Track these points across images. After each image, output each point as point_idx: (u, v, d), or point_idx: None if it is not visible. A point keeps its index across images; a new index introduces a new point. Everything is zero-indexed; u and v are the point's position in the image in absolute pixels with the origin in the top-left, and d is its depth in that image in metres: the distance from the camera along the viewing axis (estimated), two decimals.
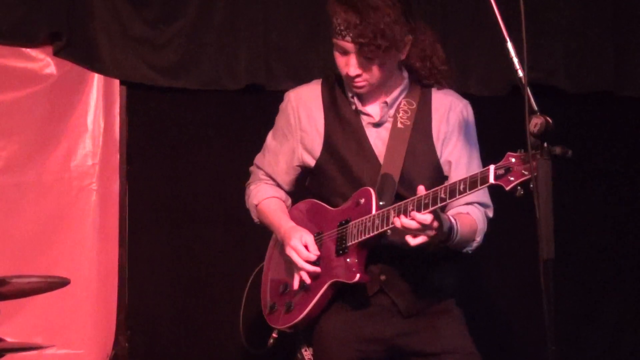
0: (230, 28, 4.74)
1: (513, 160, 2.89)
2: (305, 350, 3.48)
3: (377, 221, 3.23)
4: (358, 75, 3.32)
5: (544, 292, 2.56)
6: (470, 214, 3.35)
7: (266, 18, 4.78)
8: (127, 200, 4.71)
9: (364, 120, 3.44)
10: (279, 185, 3.62)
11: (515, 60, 2.77)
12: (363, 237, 3.27)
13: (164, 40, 4.71)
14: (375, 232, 3.23)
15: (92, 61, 4.62)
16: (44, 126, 4.63)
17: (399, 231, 3.15)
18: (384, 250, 3.30)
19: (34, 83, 4.62)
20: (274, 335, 3.52)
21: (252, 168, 3.70)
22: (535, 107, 2.69)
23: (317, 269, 3.36)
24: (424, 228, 3.10)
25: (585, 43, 5.11)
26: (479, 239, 3.38)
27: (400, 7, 3.26)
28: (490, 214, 3.46)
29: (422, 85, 3.48)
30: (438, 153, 3.42)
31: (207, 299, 4.72)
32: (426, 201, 3.09)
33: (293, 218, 3.54)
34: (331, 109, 3.48)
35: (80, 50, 4.59)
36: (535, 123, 2.66)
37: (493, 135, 4.51)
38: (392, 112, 3.43)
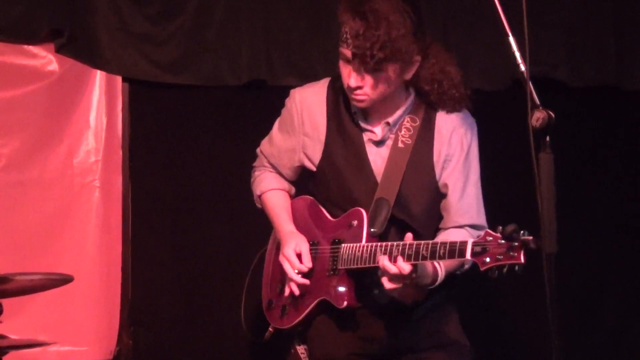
0: (231, 24, 4.74)
1: (490, 239, 2.91)
2: (299, 346, 3.48)
3: (365, 254, 3.22)
4: (358, 88, 3.27)
5: (547, 286, 2.56)
6: None
7: (267, 13, 4.77)
8: (130, 196, 4.71)
9: (366, 136, 3.40)
10: (282, 176, 3.62)
11: (517, 54, 2.76)
12: (351, 266, 3.27)
13: (166, 36, 4.70)
14: (362, 266, 3.23)
15: (94, 58, 4.62)
16: (46, 123, 4.62)
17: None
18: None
19: (36, 80, 4.61)
20: (270, 329, 3.55)
21: (258, 151, 3.69)
22: (537, 101, 2.68)
23: (306, 282, 3.36)
24: (401, 277, 3.10)
25: (587, 36, 5.11)
26: (467, 266, 3.34)
27: (411, 24, 3.19)
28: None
29: (427, 103, 3.41)
30: (437, 175, 3.38)
31: (210, 295, 4.73)
32: (409, 252, 3.09)
33: (294, 213, 3.54)
34: (334, 119, 3.44)
35: (82, 47, 4.59)
36: (537, 117, 2.65)
37: (494, 129, 4.51)
38: (394, 130, 3.39)
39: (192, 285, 4.73)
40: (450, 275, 3.31)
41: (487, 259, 2.89)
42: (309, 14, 4.76)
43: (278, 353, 3.58)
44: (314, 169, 3.47)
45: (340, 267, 3.30)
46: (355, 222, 3.31)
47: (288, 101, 3.55)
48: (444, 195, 3.39)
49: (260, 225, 3.71)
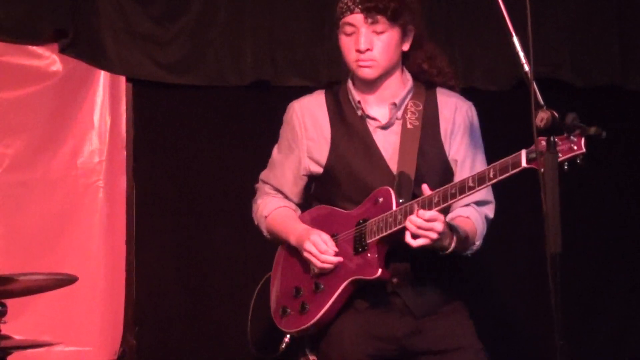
0: (235, 24, 4.75)
1: (544, 143, 2.80)
2: (311, 356, 3.46)
3: (399, 216, 3.21)
4: (367, 50, 3.32)
5: (552, 285, 2.55)
6: (470, 218, 3.34)
7: (271, 14, 4.78)
8: (134, 197, 4.71)
9: (371, 125, 3.42)
10: (287, 198, 3.60)
11: (521, 54, 2.76)
12: (385, 233, 3.24)
13: (170, 36, 4.71)
14: (399, 227, 3.20)
15: (98, 58, 4.63)
16: (50, 124, 4.63)
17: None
18: (395, 253, 3.27)
19: (40, 81, 4.62)
20: (286, 340, 3.48)
21: (257, 185, 3.67)
22: (542, 102, 2.68)
23: (339, 259, 3.32)
24: (428, 230, 3.11)
25: (591, 37, 5.11)
26: (478, 242, 3.37)
27: None
28: (491, 214, 3.45)
29: (426, 87, 3.48)
30: (447, 151, 3.41)
31: (214, 295, 4.73)
32: (453, 191, 3.09)
33: (306, 222, 3.51)
34: (337, 116, 3.47)
35: (86, 48, 4.60)
36: (542, 117, 2.65)
37: (499, 129, 4.51)
38: (400, 113, 3.42)
39: (195, 285, 4.73)
40: (458, 255, 3.33)
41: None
42: (312, 15, 4.77)
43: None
44: (321, 170, 3.46)
45: (369, 240, 3.28)
46: (381, 199, 3.30)
47: (287, 114, 3.55)
48: (453, 171, 3.41)
49: None
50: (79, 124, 4.66)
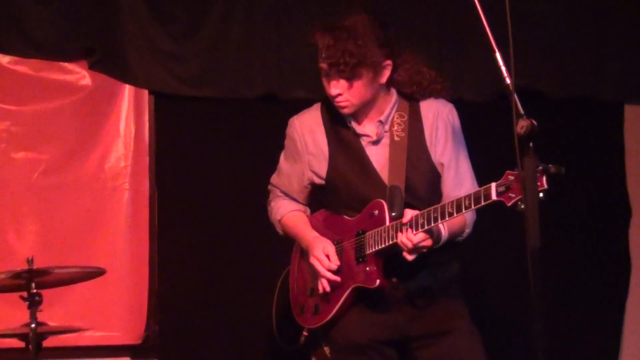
0: (247, 42, 4.75)
1: (512, 178, 2.90)
2: (326, 347, 3.47)
3: (391, 232, 3.23)
4: (339, 95, 3.31)
5: (531, 277, 2.55)
6: None
7: (279, 33, 4.77)
8: (156, 197, 4.71)
9: (364, 140, 3.41)
10: (296, 200, 3.61)
11: (503, 68, 2.77)
12: (379, 247, 3.27)
13: (188, 53, 4.71)
14: (391, 242, 3.23)
15: (123, 73, 4.63)
16: (81, 132, 4.64)
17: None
18: (394, 255, 3.28)
19: (71, 94, 4.63)
20: (305, 333, 3.50)
21: (269, 187, 3.68)
22: (522, 111, 2.68)
23: (337, 278, 3.35)
24: (418, 248, 3.16)
25: (566, 52, 5.10)
26: (468, 230, 3.39)
27: (376, 34, 3.28)
28: None
29: (409, 97, 3.46)
30: (432, 157, 3.40)
31: (230, 286, 4.72)
32: (435, 215, 3.11)
33: (313, 226, 3.53)
34: (333, 133, 3.46)
35: (112, 64, 4.60)
36: (522, 125, 2.65)
37: (484, 136, 4.52)
38: (387, 127, 3.41)
39: (213, 276, 4.73)
40: (452, 241, 3.33)
41: (512, 195, 2.88)
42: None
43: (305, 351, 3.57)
44: (323, 182, 3.46)
45: (367, 252, 3.29)
46: (376, 212, 3.31)
47: (289, 130, 3.55)
48: (440, 174, 3.41)
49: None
50: (107, 132, 4.66)
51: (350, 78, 3.27)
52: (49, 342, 3.73)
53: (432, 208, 3.14)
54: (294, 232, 3.56)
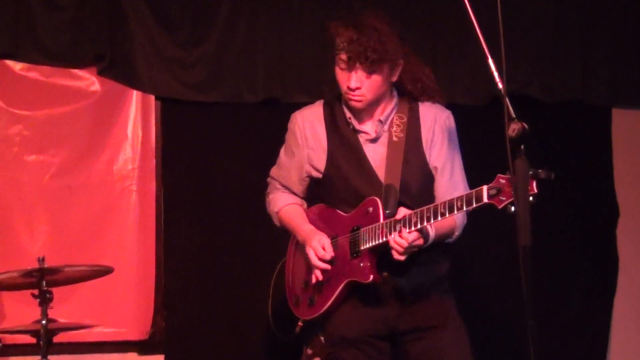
0: (249, 49, 4.74)
1: (503, 181, 2.90)
2: (322, 336, 3.46)
3: (385, 229, 3.22)
4: (357, 89, 3.29)
5: (523, 273, 2.55)
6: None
7: (281, 40, 4.77)
8: (162, 198, 4.71)
9: (362, 137, 3.40)
10: (294, 193, 3.60)
11: (496, 73, 2.76)
12: (373, 243, 3.26)
13: (193, 60, 4.70)
14: (384, 239, 3.22)
15: (131, 79, 4.62)
16: (90, 136, 4.63)
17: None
18: (387, 252, 3.26)
19: (81, 99, 4.63)
20: (300, 324, 3.49)
21: (269, 179, 3.67)
22: (513, 114, 2.67)
23: (328, 267, 3.34)
24: (411, 247, 3.15)
25: (556, 58, 5.10)
26: (457, 232, 3.38)
27: (395, 32, 3.29)
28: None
29: (409, 100, 3.45)
30: (428, 160, 3.39)
31: (234, 283, 4.71)
32: (428, 214, 3.11)
33: (310, 220, 3.51)
34: (332, 129, 3.45)
35: (120, 70, 4.60)
36: (514, 128, 2.64)
37: (477, 138, 4.51)
38: (386, 127, 3.40)
39: (217, 274, 4.72)
40: (441, 243, 3.33)
41: (503, 198, 2.88)
42: (316, 41, 4.75)
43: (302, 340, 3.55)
44: (321, 176, 3.45)
45: (361, 247, 3.28)
46: (370, 209, 3.30)
47: (291, 123, 3.54)
48: (434, 177, 3.40)
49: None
50: (115, 136, 4.66)
51: (370, 72, 3.27)
52: (59, 338, 3.73)
53: (424, 208, 3.13)
54: (291, 225, 3.54)
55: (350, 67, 3.28)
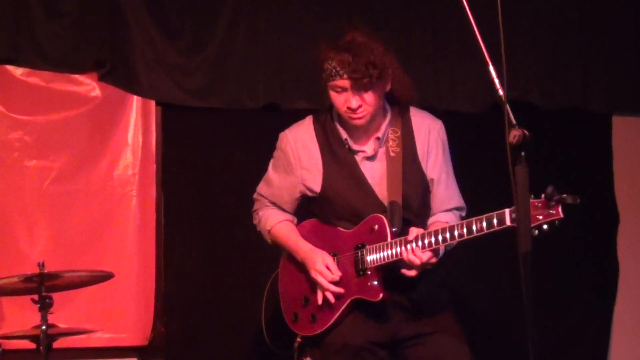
0: (250, 55, 4.75)
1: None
2: (319, 349, 3.43)
3: (395, 248, 3.21)
4: (359, 107, 3.27)
5: (523, 280, 2.55)
6: (449, 223, 3.31)
7: (281, 47, 4.78)
8: (162, 204, 4.70)
9: (358, 156, 3.38)
10: (284, 210, 3.56)
11: (496, 80, 2.76)
12: (385, 262, 3.24)
13: (194, 66, 4.71)
14: (395, 258, 3.21)
15: (131, 85, 4.63)
16: (90, 141, 4.63)
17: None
18: (392, 269, 3.26)
19: (81, 104, 4.62)
20: (298, 340, 3.48)
21: (256, 196, 3.64)
22: (514, 121, 2.67)
23: (341, 290, 3.32)
24: (424, 265, 3.16)
25: (556, 66, 5.11)
26: (454, 242, 3.37)
27: (379, 42, 3.28)
28: (464, 214, 3.46)
29: (399, 109, 3.43)
30: (424, 171, 3.39)
31: (234, 288, 4.71)
32: (444, 235, 3.11)
33: (303, 236, 3.48)
34: (326, 149, 3.42)
35: (121, 76, 4.60)
36: (514, 135, 2.64)
37: (478, 145, 4.51)
38: (382, 143, 3.39)
39: (217, 279, 4.72)
40: (445, 251, 3.33)
41: None
42: (317, 47, 4.76)
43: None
44: (317, 195, 3.43)
45: (370, 265, 3.26)
46: (376, 227, 3.28)
47: (281, 143, 3.51)
48: (430, 187, 3.40)
49: None
50: (115, 141, 4.66)
51: (369, 88, 3.25)
52: (59, 344, 3.72)
53: (439, 228, 3.13)
54: (287, 243, 3.51)
55: (352, 89, 3.24)
